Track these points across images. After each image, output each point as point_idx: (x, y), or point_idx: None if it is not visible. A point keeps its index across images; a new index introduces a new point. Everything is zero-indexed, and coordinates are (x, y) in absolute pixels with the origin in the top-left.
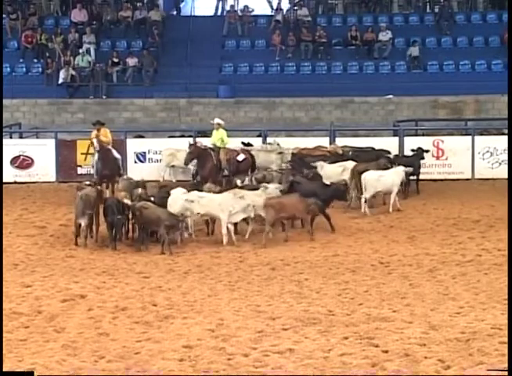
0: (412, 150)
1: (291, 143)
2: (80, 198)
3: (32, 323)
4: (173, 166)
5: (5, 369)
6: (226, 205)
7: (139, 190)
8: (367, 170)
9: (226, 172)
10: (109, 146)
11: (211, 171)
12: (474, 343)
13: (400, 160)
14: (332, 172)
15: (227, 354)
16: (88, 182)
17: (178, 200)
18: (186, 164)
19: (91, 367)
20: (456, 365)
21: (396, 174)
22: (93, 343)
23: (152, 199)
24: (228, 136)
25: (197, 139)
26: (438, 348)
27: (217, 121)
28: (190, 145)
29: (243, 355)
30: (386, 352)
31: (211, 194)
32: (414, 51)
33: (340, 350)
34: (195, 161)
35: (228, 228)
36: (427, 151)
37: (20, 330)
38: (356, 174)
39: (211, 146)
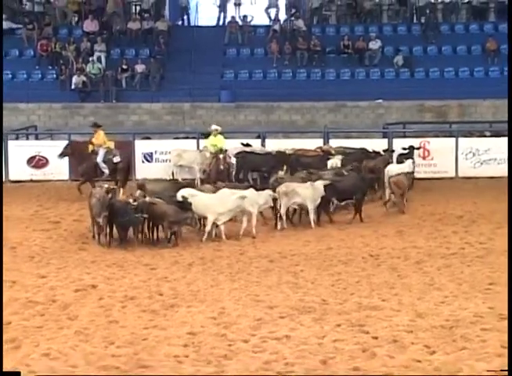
0: (404, 148)
1: (288, 145)
2: (97, 200)
3: (47, 311)
4: (180, 165)
5: (21, 354)
6: (254, 200)
7: (138, 192)
8: (376, 166)
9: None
10: (101, 148)
11: (223, 174)
12: (457, 330)
13: (397, 158)
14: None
15: (228, 340)
16: (106, 185)
17: (229, 197)
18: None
19: (102, 352)
20: (441, 350)
21: (409, 166)
22: (104, 330)
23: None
24: (230, 138)
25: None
26: (424, 334)
27: (215, 127)
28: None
29: (243, 341)
30: (376, 338)
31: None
32: (399, 59)
33: (333, 336)
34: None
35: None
36: (419, 148)
37: (36, 317)
38: (367, 170)
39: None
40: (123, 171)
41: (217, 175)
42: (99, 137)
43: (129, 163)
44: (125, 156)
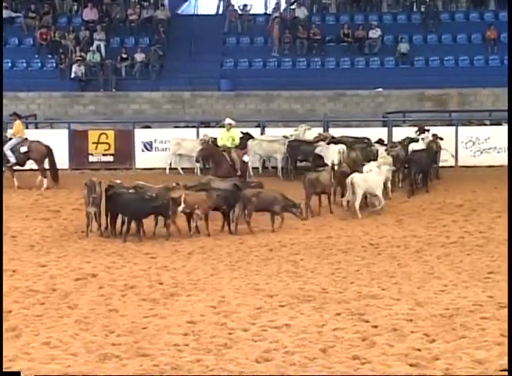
0: (416, 131)
1: (288, 133)
2: (88, 190)
3: (47, 299)
4: (179, 154)
5: (21, 342)
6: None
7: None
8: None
9: (239, 172)
10: (14, 138)
11: (228, 171)
12: (457, 318)
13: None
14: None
15: (228, 329)
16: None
17: (380, 170)
18: (198, 161)
19: (102, 341)
20: (441, 339)
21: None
22: (104, 319)
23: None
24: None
25: (205, 132)
26: (423, 323)
27: (229, 121)
28: (203, 142)
29: (242, 330)
30: (375, 327)
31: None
32: (403, 47)
33: (333, 325)
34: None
35: None
36: (428, 130)
37: (36, 306)
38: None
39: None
40: (37, 162)
41: (226, 173)
42: (15, 127)
43: (42, 153)
44: (37, 147)
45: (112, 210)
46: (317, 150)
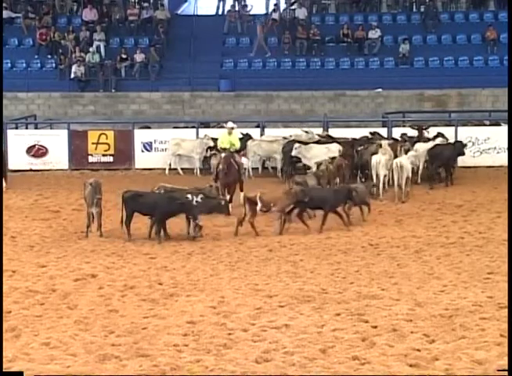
0: (413, 129)
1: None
2: (91, 190)
3: (47, 300)
4: (179, 155)
5: (21, 342)
6: None
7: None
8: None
9: (243, 177)
10: None
11: (236, 176)
12: (456, 319)
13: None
14: (319, 152)
15: (228, 329)
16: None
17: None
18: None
19: (102, 341)
20: (440, 339)
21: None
22: (103, 319)
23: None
24: None
25: (205, 133)
26: (423, 323)
27: (231, 125)
28: (220, 152)
29: (242, 330)
30: (375, 327)
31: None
32: (404, 48)
33: (333, 325)
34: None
35: None
36: (427, 128)
37: (36, 306)
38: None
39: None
40: None
41: (234, 179)
42: None
43: None
44: None
45: (142, 211)
46: (294, 153)
